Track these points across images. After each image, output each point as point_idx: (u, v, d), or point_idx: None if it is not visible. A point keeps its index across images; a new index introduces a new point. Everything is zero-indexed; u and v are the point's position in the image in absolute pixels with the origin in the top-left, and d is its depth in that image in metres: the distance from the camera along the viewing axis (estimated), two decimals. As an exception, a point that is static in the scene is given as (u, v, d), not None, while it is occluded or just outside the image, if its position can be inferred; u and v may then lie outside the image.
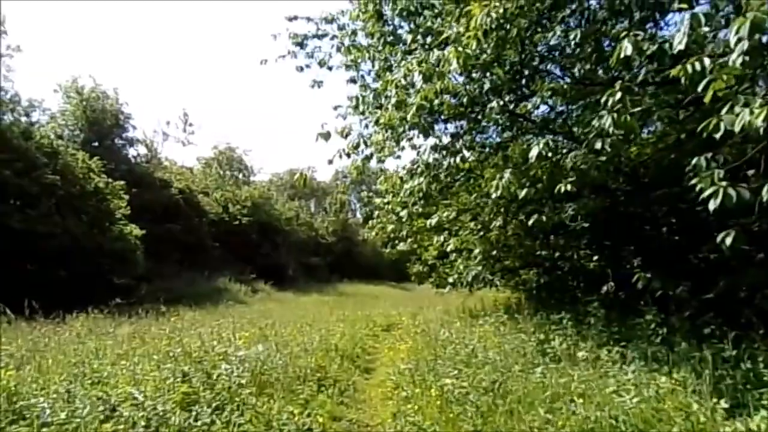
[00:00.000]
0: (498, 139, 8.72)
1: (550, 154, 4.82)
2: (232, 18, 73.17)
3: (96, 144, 26.63)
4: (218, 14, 72.84)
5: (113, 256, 17.57)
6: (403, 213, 8.85)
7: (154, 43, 67.00)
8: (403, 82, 5.26)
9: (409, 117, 5.48)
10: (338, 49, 8.71)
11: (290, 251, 35.89)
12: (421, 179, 6.42)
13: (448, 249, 8.40)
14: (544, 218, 5.52)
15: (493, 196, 4.96)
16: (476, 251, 7.96)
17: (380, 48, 7.86)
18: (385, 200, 9.59)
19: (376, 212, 10.77)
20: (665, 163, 5.77)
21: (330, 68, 9.75)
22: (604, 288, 5.77)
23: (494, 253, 7.94)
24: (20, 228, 14.12)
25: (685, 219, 5.76)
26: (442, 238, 8.54)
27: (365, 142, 6.68)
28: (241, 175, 45.77)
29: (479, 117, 6.85)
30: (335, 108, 9.45)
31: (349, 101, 8.05)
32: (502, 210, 7.39)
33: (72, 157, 17.61)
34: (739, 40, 3.05)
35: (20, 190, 14.47)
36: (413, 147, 8.97)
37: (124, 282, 19.68)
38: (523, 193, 5.22)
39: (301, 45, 9.70)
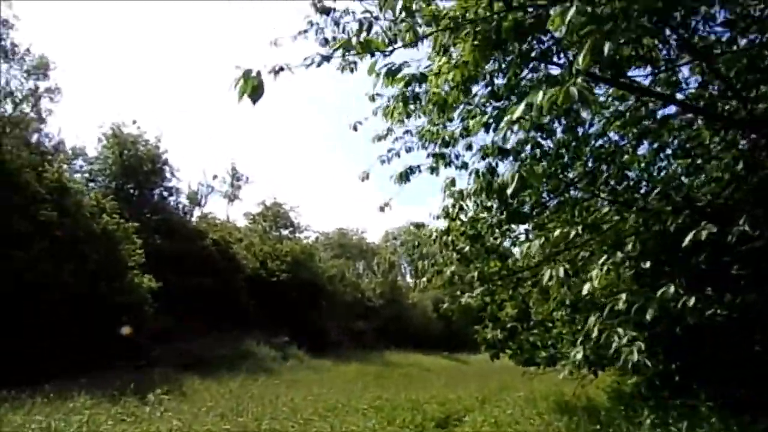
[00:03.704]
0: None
1: None
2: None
3: (132, 191, 25.33)
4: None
5: (120, 311, 15.02)
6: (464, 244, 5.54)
7: (208, 93, 68.97)
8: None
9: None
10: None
11: (333, 313, 32.64)
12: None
13: (584, 291, 4.69)
14: None
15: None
16: (652, 306, 4.05)
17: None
18: (443, 227, 6.41)
19: (428, 249, 7.57)
20: None
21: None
22: None
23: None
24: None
25: None
26: (557, 274, 4.75)
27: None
28: (287, 232, 43.99)
29: None
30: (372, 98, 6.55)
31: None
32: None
33: (84, 196, 15.66)
34: None
35: (9, 230, 12.32)
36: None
37: (136, 341, 17.09)
38: None
39: (327, 11, 7.05)
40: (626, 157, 6.96)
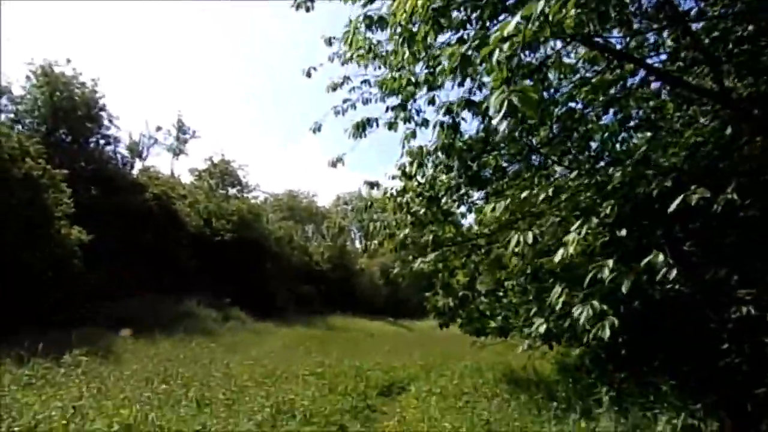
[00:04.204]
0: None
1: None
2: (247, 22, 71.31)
3: (65, 136, 23.31)
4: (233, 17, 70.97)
5: (44, 264, 13.84)
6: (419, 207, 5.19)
7: (159, 43, 64.74)
8: None
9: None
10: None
11: (279, 276, 31.98)
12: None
13: (557, 259, 4.25)
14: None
15: None
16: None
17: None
18: (399, 187, 5.99)
19: (381, 213, 7.17)
20: None
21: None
22: None
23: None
24: None
25: None
26: (525, 240, 4.27)
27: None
28: (234, 191, 42.46)
29: None
30: (329, 42, 5.95)
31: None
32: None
33: (10, 138, 14.14)
34: None
35: None
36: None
37: (64, 298, 15.90)
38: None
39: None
40: (590, 125, 6.74)
